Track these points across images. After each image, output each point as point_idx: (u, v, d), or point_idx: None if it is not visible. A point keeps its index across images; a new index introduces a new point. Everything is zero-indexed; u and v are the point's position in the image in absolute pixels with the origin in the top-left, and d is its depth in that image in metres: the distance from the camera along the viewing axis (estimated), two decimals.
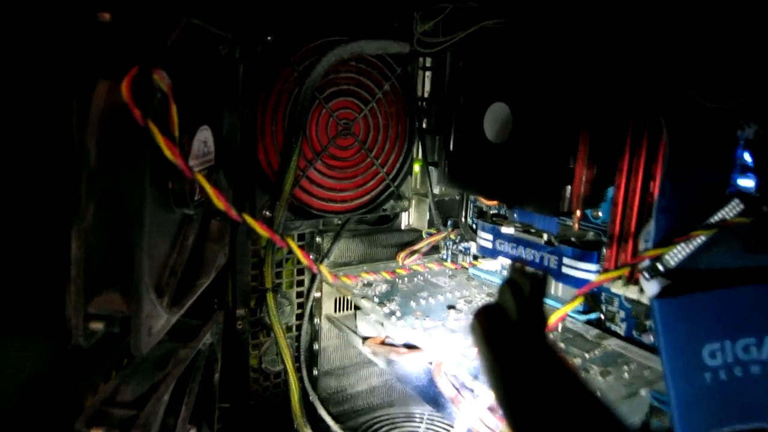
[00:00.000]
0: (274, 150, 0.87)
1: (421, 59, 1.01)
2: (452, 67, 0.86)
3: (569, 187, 0.70)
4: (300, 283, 1.00)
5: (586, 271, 0.77)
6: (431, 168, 1.00)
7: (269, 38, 0.84)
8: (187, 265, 0.64)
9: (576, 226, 0.75)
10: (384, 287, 0.94)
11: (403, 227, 1.08)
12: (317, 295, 1.00)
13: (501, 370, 0.38)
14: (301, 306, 1.01)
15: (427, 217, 1.05)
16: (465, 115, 0.84)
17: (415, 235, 1.08)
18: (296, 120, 0.86)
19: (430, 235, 1.04)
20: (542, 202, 0.71)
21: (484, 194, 0.84)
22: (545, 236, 0.83)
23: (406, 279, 0.99)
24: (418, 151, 1.03)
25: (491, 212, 0.95)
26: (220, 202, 0.51)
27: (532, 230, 0.86)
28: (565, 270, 0.80)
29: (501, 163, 0.78)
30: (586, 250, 0.77)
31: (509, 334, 0.40)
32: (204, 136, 0.61)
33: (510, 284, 0.44)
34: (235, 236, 0.88)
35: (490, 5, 0.78)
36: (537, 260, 0.84)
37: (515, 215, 0.87)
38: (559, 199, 0.70)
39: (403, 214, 1.07)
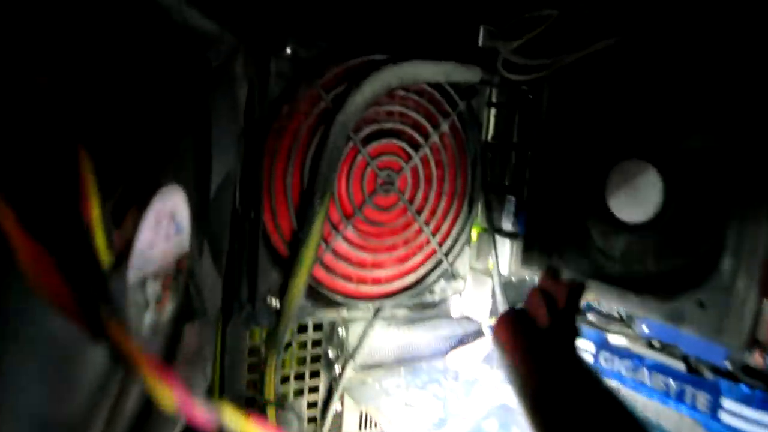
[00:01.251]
0: (286, 211, 0.61)
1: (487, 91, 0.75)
2: (551, 103, 0.59)
3: None
4: (313, 390, 0.72)
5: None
6: (499, 237, 0.73)
7: (288, 50, 0.58)
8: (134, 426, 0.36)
9: (761, 360, 0.47)
10: (430, 400, 0.67)
11: (454, 314, 0.80)
12: (338, 408, 0.72)
13: (531, 381, 0.36)
14: (313, 421, 0.73)
15: (489, 303, 0.77)
16: (567, 170, 0.57)
17: (470, 326, 0.80)
18: (322, 170, 0.59)
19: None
20: (718, 324, 0.44)
21: (596, 290, 0.56)
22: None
23: (461, 389, 0.71)
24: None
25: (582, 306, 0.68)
26: (170, 398, 0.24)
27: (656, 344, 0.59)
28: (725, 417, 0.52)
29: (635, 250, 0.51)
30: None
31: (539, 344, 0.39)
32: (170, 206, 0.35)
33: (541, 291, 0.43)
34: (226, 326, 0.61)
35: (624, 10, 0.52)
36: (673, 395, 0.56)
37: (644, 326, 0.59)
38: (755, 322, 0.42)
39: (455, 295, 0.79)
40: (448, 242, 0.73)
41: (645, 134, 0.51)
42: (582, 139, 0.56)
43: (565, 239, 0.61)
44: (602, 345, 0.62)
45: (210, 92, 0.42)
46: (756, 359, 0.48)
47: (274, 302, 0.61)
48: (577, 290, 0.43)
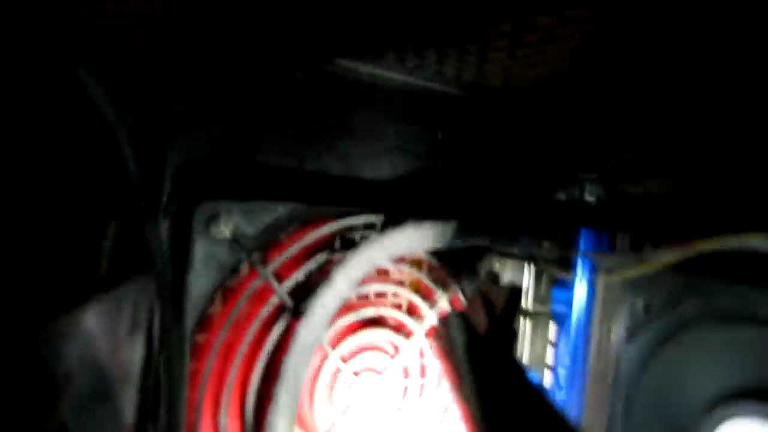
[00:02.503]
0: None
1: None
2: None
3: None
4: None
5: None
6: None
7: (222, 226, 0.38)
8: None
9: None
10: None
11: None
12: None
13: (469, 385, 0.34)
14: None
15: None
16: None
17: None
18: (273, 420, 0.38)
19: None
20: None
21: None
22: None
23: None
24: None
25: None
26: None
27: None
28: None
29: None
30: None
31: (477, 349, 0.37)
32: None
33: (481, 295, 0.44)
34: None
35: None
36: None
37: None
38: None
39: None
40: None
41: None
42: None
43: None
44: None
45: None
46: None
47: None
48: (516, 295, 0.43)
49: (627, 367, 0.37)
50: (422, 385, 0.50)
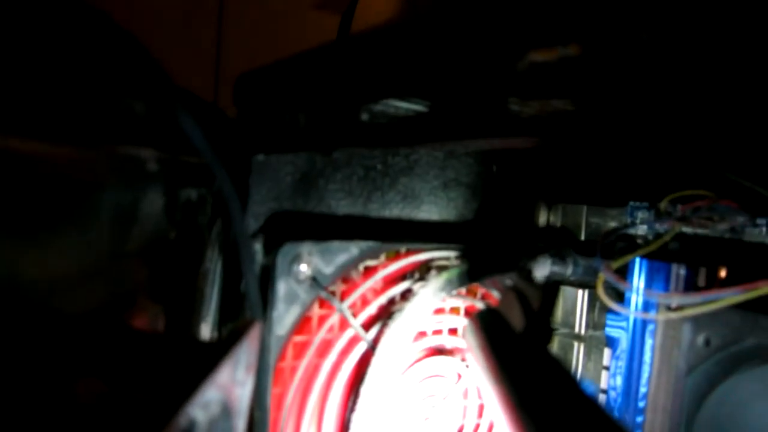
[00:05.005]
0: None
1: None
2: None
3: None
4: None
5: None
6: None
7: (302, 267, 0.41)
8: None
9: None
10: None
11: None
12: None
13: (508, 384, 0.34)
14: None
15: None
16: None
17: None
18: None
19: None
20: None
21: None
22: None
23: None
24: None
25: None
26: None
27: None
28: None
29: None
30: None
31: (514, 347, 0.37)
32: None
33: (517, 292, 0.43)
34: None
35: None
36: None
37: None
38: None
39: None
40: None
41: None
42: None
43: None
44: None
45: None
46: None
47: None
48: (552, 291, 0.42)
49: (685, 399, 0.39)
50: (481, 406, 0.53)
